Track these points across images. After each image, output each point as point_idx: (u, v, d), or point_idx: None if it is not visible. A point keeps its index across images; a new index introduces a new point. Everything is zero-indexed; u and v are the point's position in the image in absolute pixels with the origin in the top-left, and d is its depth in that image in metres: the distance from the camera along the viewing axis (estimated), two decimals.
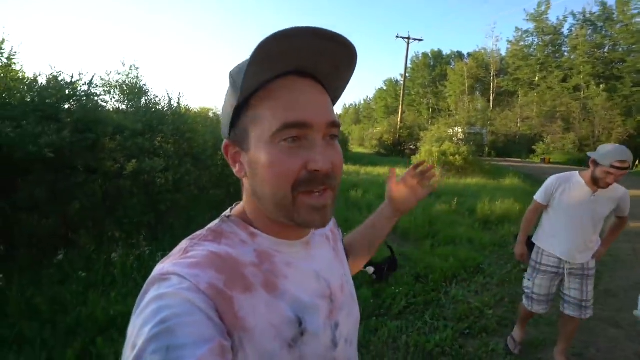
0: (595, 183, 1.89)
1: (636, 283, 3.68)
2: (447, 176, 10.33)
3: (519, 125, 29.05)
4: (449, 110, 32.39)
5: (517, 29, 33.39)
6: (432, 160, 10.90)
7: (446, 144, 11.69)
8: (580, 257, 2.05)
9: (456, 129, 15.16)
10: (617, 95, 23.44)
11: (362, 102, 74.99)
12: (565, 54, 29.62)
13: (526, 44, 31.53)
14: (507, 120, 28.37)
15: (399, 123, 21.50)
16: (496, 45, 39.96)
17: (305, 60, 0.44)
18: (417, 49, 56.95)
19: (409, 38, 22.23)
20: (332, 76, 0.49)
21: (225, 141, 0.51)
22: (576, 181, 1.99)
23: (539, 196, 2.15)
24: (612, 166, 1.75)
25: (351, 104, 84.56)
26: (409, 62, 39.69)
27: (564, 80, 27.42)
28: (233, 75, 0.47)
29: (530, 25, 31.02)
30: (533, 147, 25.13)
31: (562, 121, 24.99)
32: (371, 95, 69.96)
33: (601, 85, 23.91)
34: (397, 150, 20.93)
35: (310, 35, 0.41)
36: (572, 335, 2.23)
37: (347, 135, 24.90)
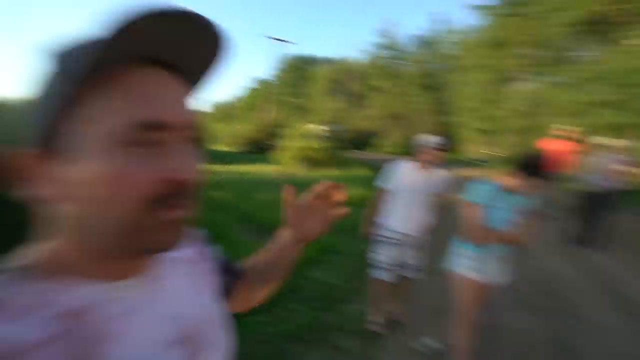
0: (422, 165, 2.37)
1: None
2: (310, 170, 11.21)
3: (368, 123, 34.14)
4: (313, 110, 35.07)
5: (373, 43, 38.90)
6: (296, 155, 11.66)
7: (309, 140, 12.63)
8: (414, 228, 2.50)
9: (319, 126, 16.51)
10: (436, 102, 30.21)
11: (231, 100, 72.86)
12: (404, 66, 36.28)
13: (380, 55, 37.16)
14: (360, 119, 32.85)
15: (267, 121, 21.92)
16: (356, 54, 45.39)
17: (160, 44, 0.35)
18: (287, 51, 59.16)
19: (280, 39, 22.90)
20: (194, 66, 0.40)
21: (23, 151, 0.34)
22: (409, 166, 2.44)
23: (381, 182, 2.52)
24: (433, 147, 2.30)
25: (220, 102, 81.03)
26: (278, 63, 41.00)
27: (402, 87, 33.52)
28: (56, 56, 0.34)
29: (383, 41, 36.69)
30: (377, 141, 30.30)
31: (399, 120, 30.69)
32: (240, 94, 68.75)
33: (426, 94, 30.40)
34: (264, 147, 21.28)
35: (168, 14, 0.32)
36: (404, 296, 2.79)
37: (214, 133, 23.89)
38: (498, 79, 21.64)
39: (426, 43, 34.48)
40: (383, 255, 2.53)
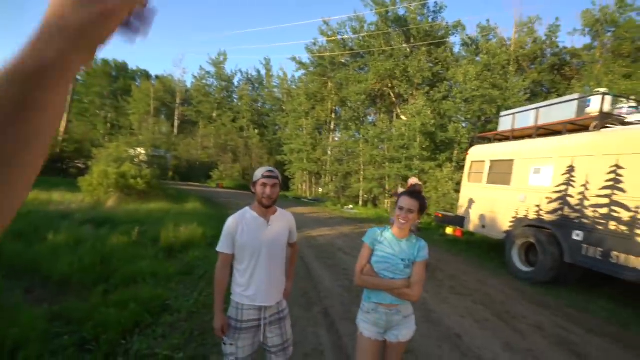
0: (260, 203, 1.86)
1: None
2: (127, 201, 9.15)
3: (199, 152, 32.19)
4: (131, 129, 30.07)
5: (201, 68, 37.80)
6: (108, 182, 9.31)
7: (127, 165, 10.44)
8: (276, 296, 1.93)
9: (139, 149, 14.08)
10: (265, 139, 31.94)
11: None
12: (235, 100, 36.92)
13: (207, 83, 36.19)
14: (190, 147, 30.63)
15: (61, 134, 16.92)
16: (182, 76, 42.70)
17: None
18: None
19: None
20: None
21: None
22: (250, 215, 1.89)
23: (222, 246, 1.86)
24: (264, 176, 1.85)
25: None
26: None
27: (234, 120, 33.84)
28: None
29: (212, 69, 36.07)
30: (210, 173, 28.82)
31: (232, 153, 30.49)
32: None
33: (256, 130, 31.72)
34: (58, 168, 16.32)
35: None
36: None
37: None
38: (317, 127, 25.34)
39: (250, 81, 36.97)
40: (240, 345, 1.82)
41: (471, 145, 8.66)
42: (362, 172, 19.43)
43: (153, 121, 28.68)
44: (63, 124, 17.74)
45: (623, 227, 4.61)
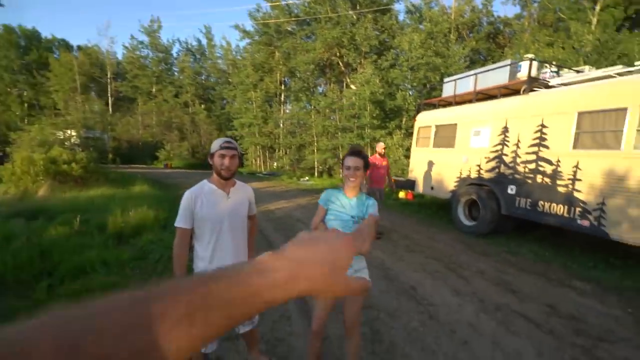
0: (219, 174, 1.85)
1: None
2: (62, 189, 8.29)
3: (141, 132, 29.65)
4: (56, 109, 26.60)
5: (132, 37, 33.84)
6: (35, 170, 8.30)
7: (56, 150, 9.34)
8: None
9: (69, 132, 12.58)
10: (213, 114, 30.29)
11: None
12: (176, 73, 33.99)
13: (142, 54, 32.65)
14: (129, 126, 28.07)
15: None
16: (111, 46, 38.07)
17: None
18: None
19: None
20: None
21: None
22: (208, 188, 1.87)
23: (179, 220, 1.83)
24: (222, 147, 1.82)
25: None
26: None
27: (176, 95, 31.39)
28: None
29: (145, 38, 32.50)
30: (156, 153, 26.89)
31: (178, 131, 28.58)
32: None
33: (202, 105, 29.89)
34: None
35: None
36: (257, 342, 2.29)
37: None
38: (266, 99, 24.56)
39: (191, 51, 34.19)
40: None
41: (418, 112, 9.04)
42: (315, 144, 19.50)
43: (81, 99, 25.66)
44: None
45: (547, 179, 5.25)
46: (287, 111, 24.69)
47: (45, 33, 37.53)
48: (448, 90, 8.13)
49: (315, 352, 2.09)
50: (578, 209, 4.80)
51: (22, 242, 3.98)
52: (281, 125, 22.96)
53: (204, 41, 33.81)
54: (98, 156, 11.29)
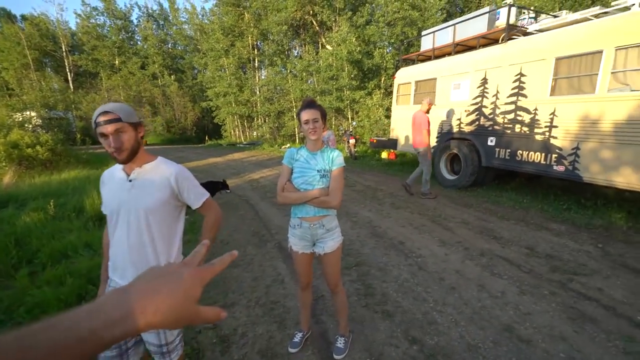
0: (115, 160, 1.31)
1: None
2: (31, 175, 7.85)
3: None
4: (7, 88, 24.53)
5: (84, 2, 30.59)
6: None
7: (16, 133, 8.70)
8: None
9: (28, 113, 11.69)
10: (184, 85, 28.77)
11: None
12: (139, 42, 31.51)
13: (98, 22, 29.88)
14: (95, 104, 26.37)
15: None
16: (61, 15, 34.54)
17: None
18: None
19: None
20: None
21: None
22: (115, 168, 1.43)
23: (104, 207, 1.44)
24: (97, 123, 1.24)
25: None
26: None
27: (143, 67, 29.38)
28: None
29: (100, 4, 29.58)
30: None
31: (150, 105, 27.17)
32: None
33: (172, 76, 28.23)
34: None
35: None
36: None
37: None
38: (240, 65, 23.38)
39: (153, 17, 31.64)
40: None
41: (397, 69, 8.84)
42: (294, 109, 19.04)
43: (36, 76, 23.69)
44: None
45: (525, 129, 5.34)
46: (263, 77, 23.71)
47: None
48: (426, 44, 7.92)
49: (305, 302, 2.21)
50: (554, 156, 4.95)
51: None
52: (257, 92, 22.14)
53: (166, 5, 31.32)
54: (65, 137, 10.63)
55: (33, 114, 10.63)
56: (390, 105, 13.01)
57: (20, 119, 10.09)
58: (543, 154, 5.10)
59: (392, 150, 9.46)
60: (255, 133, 23.57)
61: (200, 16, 27.93)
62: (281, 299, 2.80)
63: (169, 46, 31.52)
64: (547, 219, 4.63)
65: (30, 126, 10.21)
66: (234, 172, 9.82)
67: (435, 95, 7.11)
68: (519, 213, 4.94)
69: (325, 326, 2.43)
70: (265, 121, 22.14)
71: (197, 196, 1.47)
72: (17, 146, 8.14)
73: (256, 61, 23.72)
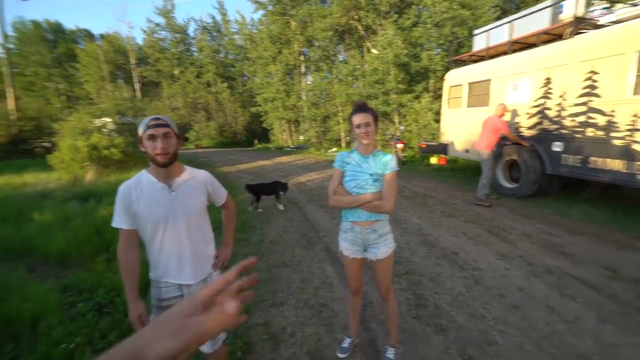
0: (155, 161, 1.45)
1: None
2: (106, 173, 8.77)
3: (170, 115, 30.42)
4: (89, 98, 27.79)
5: (148, 20, 33.79)
6: (81, 156, 8.80)
7: (96, 136, 9.79)
8: (198, 272, 1.60)
9: (104, 119, 13.14)
10: (235, 92, 30.31)
11: None
12: (195, 53, 33.95)
13: (160, 37, 32.74)
14: (158, 110, 28.77)
15: (13, 112, 15.40)
16: (130, 32, 38.46)
17: None
18: (18, 11, 43.19)
19: None
20: None
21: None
22: (147, 179, 1.51)
23: (116, 221, 1.50)
24: (149, 126, 1.42)
25: None
26: (9, 28, 29.36)
27: (198, 76, 31.53)
28: None
29: (161, 20, 32.46)
30: (186, 134, 27.68)
31: (204, 111, 29.04)
32: None
33: (224, 83, 29.91)
34: (21, 149, 15.16)
35: None
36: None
37: None
38: (287, 72, 24.06)
39: (207, 29, 33.76)
40: None
41: (447, 71, 8.49)
42: (340, 114, 19.10)
43: (111, 87, 26.49)
44: (11, 101, 16.09)
45: (600, 132, 4.80)
46: (309, 82, 24.16)
47: (68, 25, 38.45)
48: (479, 43, 7.50)
49: (354, 307, 2.18)
50: (638, 163, 4.38)
51: (81, 222, 4.28)
52: (304, 97, 22.59)
53: (219, 17, 33.31)
54: (134, 140, 11.75)
55: (108, 120, 11.88)
56: (440, 109, 12.52)
57: (99, 124, 11.33)
58: (624, 161, 4.53)
59: (442, 156, 9.07)
60: (301, 137, 24.04)
61: (249, 26, 29.28)
62: (329, 302, 2.80)
63: (222, 56, 33.42)
64: (632, 237, 4.07)
65: (106, 130, 11.42)
66: (281, 174, 10.09)
67: (490, 98, 6.70)
68: (594, 228, 4.43)
69: (374, 334, 2.38)
70: (311, 125, 22.49)
71: (222, 195, 1.74)
72: (96, 148, 9.16)
73: (302, 67, 24.24)
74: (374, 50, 17.22)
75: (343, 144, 19.20)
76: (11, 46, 29.79)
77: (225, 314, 0.44)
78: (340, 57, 22.14)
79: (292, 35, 22.51)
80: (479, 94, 7.07)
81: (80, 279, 3.07)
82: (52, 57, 33.78)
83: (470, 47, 8.61)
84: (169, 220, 1.49)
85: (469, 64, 7.87)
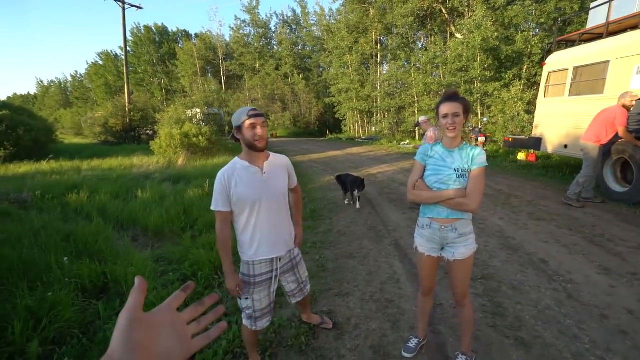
0: (253, 147, 1.67)
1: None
2: (194, 159, 9.84)
3: (249, 105, 32.71)
4: (184, 92, 31.40)
5: (236, 17, 36.53)
6: (175, 143, 10.01)
7: (187, 125, 11.04)
8: (287, 245, 1.89)
9: (194, 110, 14.73)
10: (311, 83, 31.06)
11: (70, 79, 58.80)
12: (275, 46, 35.68)
13: (245, 32, 35.17)
14: (240, 102, 31.15)
15: (126, 104, 18.22)
16: (220, 29, 42.15)
17: None
18: (136, 19, 50.58)
19: (124, 2, 18.79)
20: None
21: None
22: (241, 165, 1.72)
23: (217, 204, 1.70)
24: (250, 115, 1.65)
25: (52, 81, 64.37)
26: (128, 34, 34.49)
27: (277, 68, 33.10)
28: None
29: (247, 17, 34.80)
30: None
31: (280, 102, 30.45)
32: (82, 71, 56.52)
33: (300, 75, 30.83)
34: (130, 136, 17.92)
35: None
36: (308, 305, 2.33)
37: (55, 122, 18.50)
38: (362, 62, 23.67)
39: (287, 23, 34.85)
40: (256, 299, 1.81)
41: (547, 54, 7.38)
42: (416, 104, 18.20)
43: (202, 81, 29.49)
44: (125, 95, 19.09)
45: None
46: (384, 72, 23.46)
47: (171, 27, 43.74)
48: (596, 17, 6.34)
49: (424, 308, 2.07)
50: None
51: (172, 202, 4.89)
52: (379, 87, 22.04)
53: (299, 10, 34.28)
54: (217, 129, 12.94)
55: (198, 110, 13.28)
56: (533, 99, 11.03)
57: (190, 114, 12.75)
58: None
59: (532, 151, 8.00)
60: (374, 128, 23.62)
61: (327, 17, 29.47)
62: (396, 299, 2.71)
63: (299, 48, 34.45)
64: None
65: (195, 120, 12.79)
66: (352, 165, 10.08)
67: (606, 84, 5.63)
68: None
69: (443, 338, 2.24)
70: (384, 116, 21.91)
71: (295, 179, 1.97)
72: (187, 136, 10.34)
73: (379, 56, 23.61)
74: (458, 35, 15.89)
75: (417, 137, 18.30)
76: (129, 49, 35.19)
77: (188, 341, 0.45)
78: (420, 45, 20.97)
79: (370, 23, 22.01)
80: (589, 79, 6.01)
81: (170, 251, 3.51)
82: (158, 56, 38.96)
83: (581, 24, 7.34)
84: (263, 199, 1.72)
85: (579, 44, 6.72)
